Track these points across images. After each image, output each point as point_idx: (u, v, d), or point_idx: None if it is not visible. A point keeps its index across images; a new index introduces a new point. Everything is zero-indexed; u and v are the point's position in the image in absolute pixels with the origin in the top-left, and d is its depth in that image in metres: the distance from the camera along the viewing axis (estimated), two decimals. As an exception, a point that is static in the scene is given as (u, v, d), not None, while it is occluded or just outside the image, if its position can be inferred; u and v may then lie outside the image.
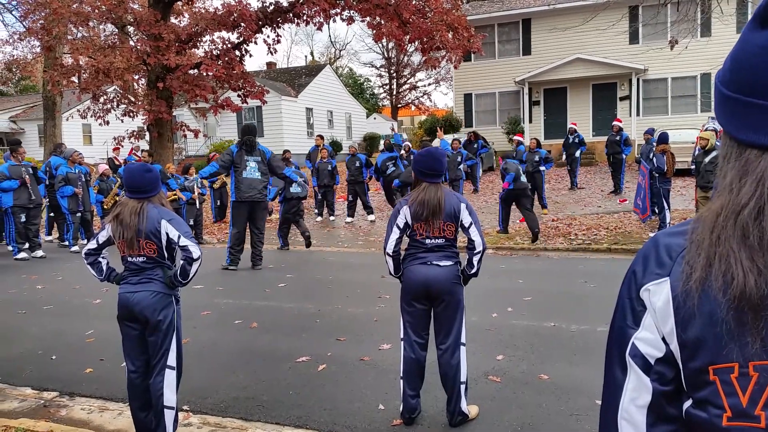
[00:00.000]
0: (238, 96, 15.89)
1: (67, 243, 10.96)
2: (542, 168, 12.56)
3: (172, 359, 3.30)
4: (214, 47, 15.44)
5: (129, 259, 3.28)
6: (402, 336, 3.66)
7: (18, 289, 7.60)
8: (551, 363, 4.42)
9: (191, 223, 11.24)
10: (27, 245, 10.05)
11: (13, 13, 26.98)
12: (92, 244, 3.39)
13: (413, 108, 48.05)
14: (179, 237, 3.18)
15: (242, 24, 14.63)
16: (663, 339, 0.88)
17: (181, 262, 3.22)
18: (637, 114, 20.63)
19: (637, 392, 0.91)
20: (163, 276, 3.26)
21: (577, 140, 15.11)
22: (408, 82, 47.33)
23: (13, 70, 39.14)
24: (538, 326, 5.33)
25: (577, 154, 15.20)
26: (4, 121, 30.11)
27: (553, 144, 20.09)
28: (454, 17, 14.40)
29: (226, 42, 15.55)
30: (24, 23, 18.62)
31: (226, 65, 14.85)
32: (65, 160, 10.82)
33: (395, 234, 3.58)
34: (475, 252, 3.56)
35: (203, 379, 4.36)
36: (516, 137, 14.66)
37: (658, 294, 0.87)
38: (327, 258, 9.28)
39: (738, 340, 0.79)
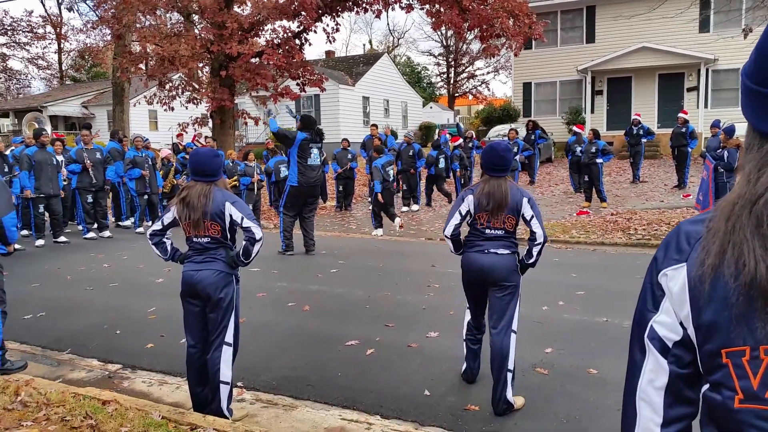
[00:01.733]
0: (297, 84, 16.13)
1: (128, 224, 11.54)
2: (599, 160, 12.22)
3: (229, 336, 3.45)
4: (275, 36, 15.70)
5: (194, 239, 3.43)
6: (467, 305, 4.00)
7: (86, 266, 8.04)
8: (601, 358, 4.35)
9: (250, 207, 11.57)
10: (96, 225, 10.59)
11: (87, 2, 28.26)
12: (157, 225, 3.57)
13: (470, 97, 47.47)
14: (242, 219, 3.33)
15: (303, 12, 14.81)
16: (680, 323, 0.91)
17: (244, 242, 3.36)
18: (705, 106, 19.72)
19: (655, 374, 0.95)
20: (225, 256, 3.41)
21: (641, 131, 14.60)
22: (466, 70, 46.78)
23: (86, 57, 41.10)
24: (589, 321, 5.24)
25: (644, 140, 14.67)
26: (77, 107, 31.63)
27: (616, 135, 19.48)
28: (515, 4, 14.12)
29: (287, 31, 15.79)
30: (97, 12, 19.51)
31: (286, 54, 15.09)
32: (119, 145, 11.44)
33: (455, 220, 3.76)
34: (536, 243, 3.67)
35: (257, 358, 4.53)
36: (575, 128, 14.29)
37: (675, 279, 0.91)
38: (378, 246, 9.37)
39: (749, 325, 0.81)
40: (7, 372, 4.18)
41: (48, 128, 11.02)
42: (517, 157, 13.48)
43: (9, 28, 35.08)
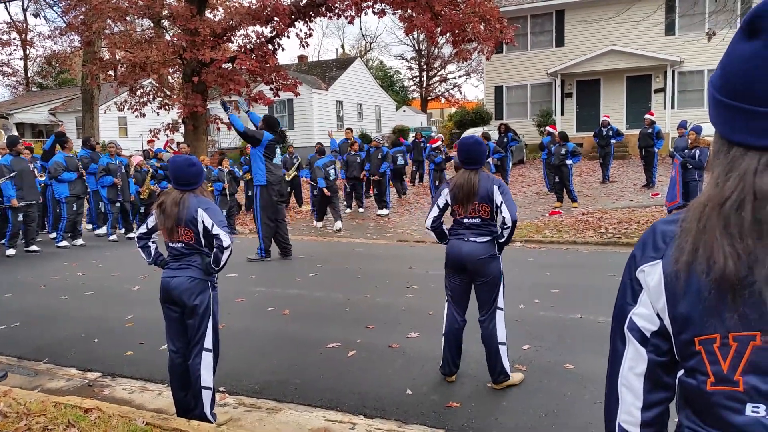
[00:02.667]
0: (271, 89, 16.10)
1: (103, 232, 11.40)
2: (569, 161, 12.48)
3: (208, 342, 3.46)
4: (248, 41, 15.66)
5: (170, 245, 3.47)
6: (446, 299, 4.15)
7: (60, 275, 7.92)
8: (577, 353, 4.47)
9: (224, 213, 11.50)
10: (70, 234, 10.43)
11: (55, 8, 27.79)
12: (143, 229, 3.62)
13: (443, 101, 47.83)
14: (213, 225, 3.33)
15: (276, 18, 14.80)
16: (657, 314, 0.99)
17: (214, 249, 3.37)
18: (672, 107, 20.24)
19: (635, 362, 1.03)
20: (200, 262, 3.42)
21: (611, 132, 14.93)
22: (438, 74, 47.13)
23: (53, 63, 40.30)
24: (564, 318, 5.37)
25: (613, 141, 15.03)
26: (44, 114, 31.02)
27: (586, 137, 19.87)
28: (487, 9, 14.32)
29: (260, 36, 15.74)
30: (65, 19, 19.20)
31: (259, 59, 15.06)
32: (93, 152, 11.29)
33: (434, 212, 4.05)
34: (506, 226, 3.90)
35: (238, 363, 4.54)
36: (548, 128, 14.55)
37: (651, 274, 0.99)
38: (356, 249, 9.41)
39: (719, 315, 0.90)
40: (-16, 383, 4.12)
41: (3, 137, 10.78)
42: (489, 160, 13.66)
43: (-29, 34, 34.19)
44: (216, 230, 3.34)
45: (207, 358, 3.47)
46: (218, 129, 17.67)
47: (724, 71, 0.92)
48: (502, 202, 3.85)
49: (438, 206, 4.02)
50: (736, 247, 0.88)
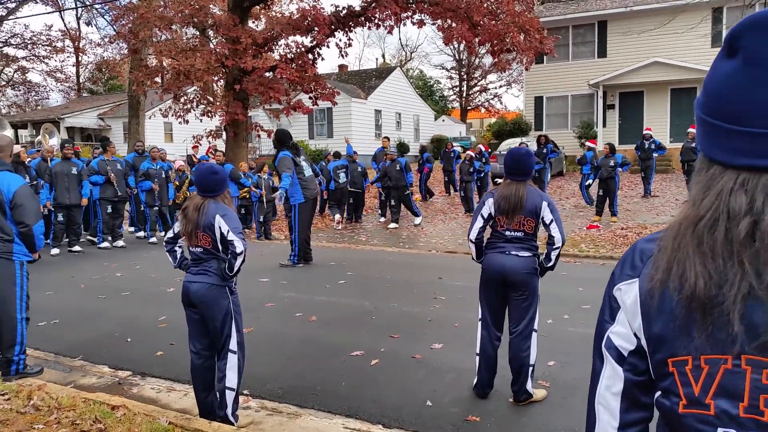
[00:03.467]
0: (310, 98, 16.33)
1: (142, 234, 11.75)
2: (620, 170, 12.32)
3: (233, 344, 3.55)
4: (288, 51, 15.94)
5: (191, 249, 3.57)
6: (480, 317, 4.01)
7: (100, 275, 8.19)
8: (604, 371, 4.37)
9: (261, 219, 11.70)
10: (110, 236, 10.78)
11: (105, 17, 28.87)
12: (170, 234, 3.75)
13: (483, 110, 47.59)
14: (228, 231, 3.41)
15: (316, 28, 15.03)
16: (634, 334, 0.98)
17: (228, 255, 3.45)
18: (719, 120, 19.62)
19: (612, 380, 1.02)
20: (217, 268, 3.51)
21: (653, 146, 14.60)
22: (479, 84, 46.95)
23: (103, 70, 41.83)
24: (593, 334, 5.25)
25: (655, 155, 14.71)
26: (93, 118, 32.17)
27: (628, 149, 19.45)
28: (526, 19, 14.24)
29: (300, 46, 16.01)
30: (114, 27, 19.92)
31: (299, 68, 15.30)
32: (139, 156, 11.65)
33: (479, 223, 3.91)
34: (554, 247, 3.82)
35: (264, 367, 4.60)
36: (588, 143, 14.34)
37: (628, 293, 0.98)
38: (387, 257, 9.44)
39: (690, 335, 0.89)
40: (25, 376, 4.30)
41: (55, 140, 11.23)
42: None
43: (29, 42, 35.81)
44: (231, 236, 3.42)
45: (232, 360, 3.55)
46: (258, 136, 18.01)
47: (705, 89, 0.92)
48: (552, 221, 3.79)
49: (482, 217, 3.90)
50: (707, 267, 0.86)
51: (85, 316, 6.19)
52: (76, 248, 10.05)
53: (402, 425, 3.68)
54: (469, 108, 46.87)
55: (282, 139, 8.51)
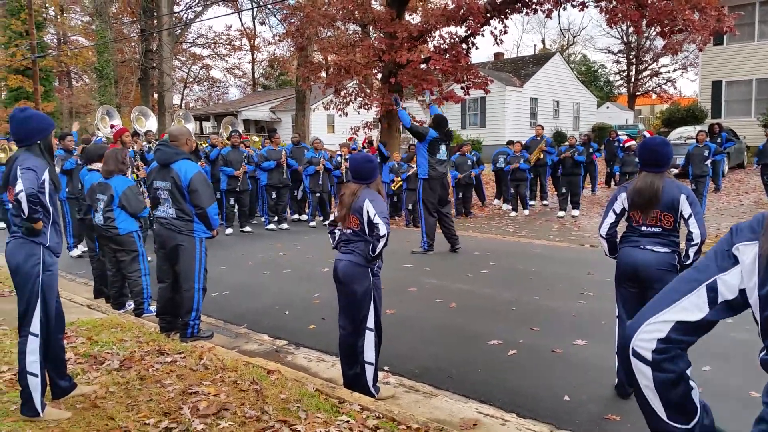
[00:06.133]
0: (462, 88, 16.35)
1: (305, 218, 12.69)
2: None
3: (370, 323, 3.81)
4: (442, 42, 16.08)
5: (343, 231, 3.89)
6: (617, 314, 3.87)
7: (265, 254, 9.03)
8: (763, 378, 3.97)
9: (410, 207, 12.05)
10: (276, 218, 11.80)
11: (276, 16, 31.25)
12: (331, 217, 4.10)
13: (654, 96, 44.00)
14: (374, 215, 3.67)
15: (470, 18, 14.98)
16: (742, 290, 1.11)
17: (372, 238, 3.70)
18: None
19: (689, 308, 1.17)
20: (363, 249, 3.77)
21: None
22: (649, 68, 43.45)
23: (274, 66, 45.34)
24: (754, 340, 4.76)
25: None
26: (266, 111, 35.08)
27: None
28: (701, -4, 12.94)
29: (454, 36, 16.07)
30: (284, 25, 21.52)
31: (452, 59, 15.38)
32: (296, 147, 12.56)
33: (610, 218, 3.78)
34: (692, 243, 3.57)
35: (403, 347, 4.83)
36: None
37: (747, 253, 1.10)
38: (534, 249, 9.24)
39: None
40: (198, 339, 4.95)
41: (229, 131, 12.50)
42: (708, 162, 12.34)
43: (212, 41, 39.97)
44: (376, 219, 3.67)
45: (369, 337, 3.82)
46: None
47: None
48: (691, 216, 3.54)
49: (614, 212, 3.75)
50: None
51: (250, 289, 6.91)
52: (247, 229, 11.15)
53: (536, 417, 3.67)
54: (637, 94, 43.62)
55: (439, 123, 8.80)
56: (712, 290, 1.13)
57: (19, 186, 3.14)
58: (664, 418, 1.24)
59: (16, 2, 28.73)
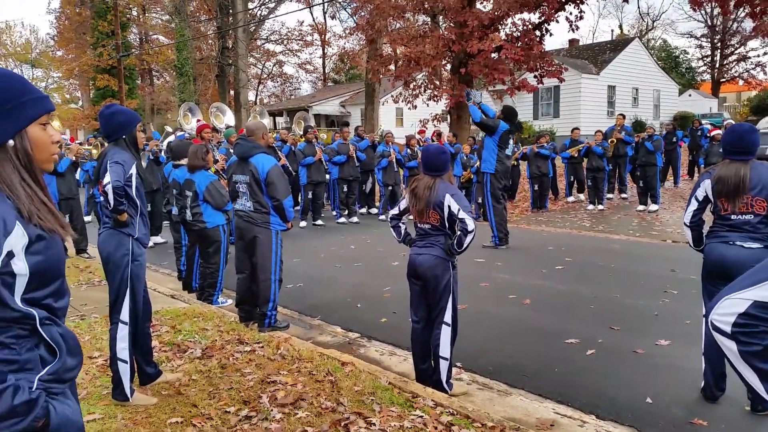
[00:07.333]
0: (535, 77, 15.94)
1: (374, 211, 12.77)
2: None
3: (448, 317, 3.77)
4: (515, 29, 15.71)
5: (419, 225, 3.84)
6: (703, 312, 3.67)
7: (337, 247, 9.16)
8: None
9: (479, 201, 11.87)
10: (347, 212, 11.94)
11: (347, 10, 31.53)
12: (395, 211, 4.07)
13: (741, 82, 41.31)
14: (459, 210, 3.61)
15: (544, 3, 14.57)
16: None
17: (458, 232, 3.64)
18: None
19: None
20: (444, 243, 3.73)
21: None
22: (736, 52, 40.82)
23: (344, 60, 45.82)
24: None
25: None
26: (336, 106, 35.52)
27: None
28: (800, -28, 12.01)
29: (527, 23, 15.67)
30: (354, 18, 21.70)
31: (524, 47, 15.01)
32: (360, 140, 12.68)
33: (693, 206, 3.64)
34: None
35: (476, 343, 4.77)
36: None
37: None
38: (612, 245, 8.89)
39: None
40: (276, 329, 5.08)
41: (302, 126, 12.73)
42: None
43: (285, 37, 40.81)
44: (462, 215, 3.61)
45: (446, 331, 3.78)
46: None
47: None
48: None
49: (696, 199, 3.60)
50: None
51: (324, 281, 7.02)
52: (319, 222, 11.35)
53: (617, 419, 3.53)
54: (722, 80, 41.13)
55: (508, 116, 8.68)
56: None
57: (107, 179, 3.33)
58: (764, 393, 1.22)
59: (103, 4, 30.41)
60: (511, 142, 8.72)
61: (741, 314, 1.18)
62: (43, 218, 1.32)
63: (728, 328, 1.20)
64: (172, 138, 9.88)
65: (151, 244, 9.47)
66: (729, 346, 1.21)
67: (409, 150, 12.30)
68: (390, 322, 5.40)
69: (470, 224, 3.59)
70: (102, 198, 3.43)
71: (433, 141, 14.17)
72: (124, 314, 3.43)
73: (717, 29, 40.06)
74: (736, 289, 1.22)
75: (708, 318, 1.25)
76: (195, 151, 5.93)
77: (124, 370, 3.44)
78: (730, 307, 1.20)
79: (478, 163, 11.43)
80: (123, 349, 3.43)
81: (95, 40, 30.57)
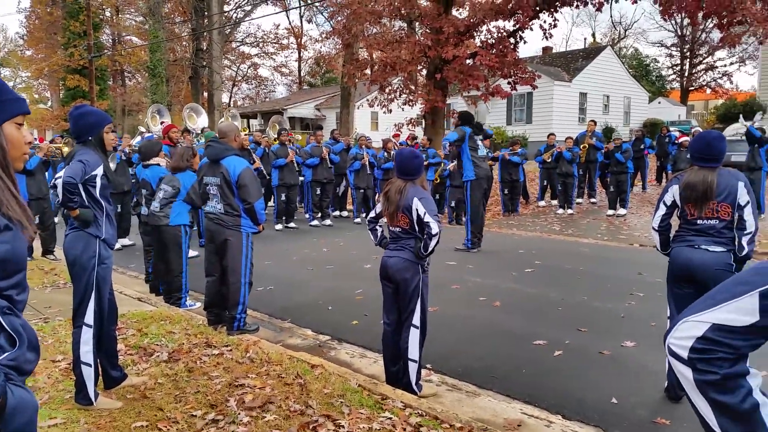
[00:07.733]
0: (508, 83, 16.13)
1: (346, 214, 12.76)
2: None
3: (416, 319, 3.78)
4: (489, 36, 15.88)
5: (390, 228, 3.87)
6: (668, 314, 3.78)
7: (309, 249, 9.12)
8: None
9: (453, 204, 11.95)
10: (320, 214, 11.90)
11: (323, 14, 31.50)
12: (372, 214, 4.10)
13: (708, 91, 42.36)
14: (425, 214, 3.64)
15: (519, 11, 14.75)
16: None
17: (424, 236, 3.66)
18: None
19: (736, 313, 1.10)
20: (414, 246, 3.75)
21: None
22: (704, 61, 41.87)
23: (320, 64, 45.76)
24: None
25: None
26: (311, 109, 35.43)
27: None
28: (764, -15, 12.38)
29: (502, 30, 15.86)
30: (330, 23, 21.68)
31: (499, 54, 15.18)
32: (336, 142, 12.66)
33: (661, 211, 3.72)
34: (744, 233, 3.43)
35: (447, 345, 4.80)
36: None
37: None
38: (581, 249, 9.03)
39: None
40: (245, 332, 5.03)
41: (277, 129, 12.69)
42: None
43: (260, 40, 40.60)
44: (427, 218, 3.64)
45: (414, 334, 3.80)
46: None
47: None
48: (747, 203, 3.41)
49: (665, 204, 3.68)
50: None
51: (295, 284, 6.99)
52: (292, 225, 11.29)
53: (583, 419, 3.58)
54: (691, 89, 42.11)
55: (465, 119, 8.84)
56: (766, 297, 1.03)
57: (61, 173, 3.29)
58: (716, 428, 1.12)
59: (75, 4, 29.88)
60: (481, 143, 8.78)
61: (699, 338, 1.12)
62: (11, 209, 1.33)
63: (685, 353, 1.13)
64: (139, 139, 9.75)
65: (118, 246, 9.31)
66: (685, 374, 1.14)
67: (385, 153, 12.34)
68: (361, 325, 5.40)
69: (434, 228, 3.62)
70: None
71: (408, 145, 14.22)
72: (89, 317, 3.37)
73: (686, 39, 41.06)
74: (695, 311, 1.16)
75: (665, 342, 1.20)
76: (182, 153, 5.88)
77: (88, 373, 3.38)
78: (688, 330, 1.14)
79: (451, 166, 11.53)
80: (87, 352, 3.37)
81: (66, 40, 30.03)
